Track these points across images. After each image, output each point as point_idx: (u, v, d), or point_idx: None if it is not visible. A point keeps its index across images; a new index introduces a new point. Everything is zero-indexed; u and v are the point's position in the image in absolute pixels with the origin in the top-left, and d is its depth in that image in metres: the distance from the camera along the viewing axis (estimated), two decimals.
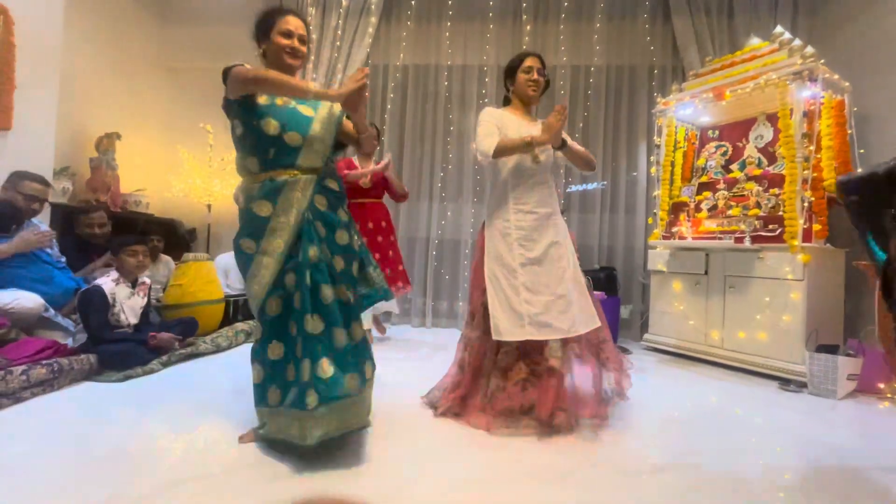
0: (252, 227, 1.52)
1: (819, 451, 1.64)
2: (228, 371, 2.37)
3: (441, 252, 4.07)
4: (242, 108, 1.53)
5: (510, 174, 1.89)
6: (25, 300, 2.16)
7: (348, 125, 1.66)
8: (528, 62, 1.92)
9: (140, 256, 2.42)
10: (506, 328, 1.72)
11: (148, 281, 2.50)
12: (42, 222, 2.62)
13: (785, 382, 2.46)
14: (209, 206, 4.01)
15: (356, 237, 1.67)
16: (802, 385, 2.38)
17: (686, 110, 3.30)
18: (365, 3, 3.99)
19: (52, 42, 2.91)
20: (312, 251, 1.47)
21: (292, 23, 1.62)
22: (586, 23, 4.00)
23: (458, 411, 1.80)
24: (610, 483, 1.34)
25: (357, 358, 1.45)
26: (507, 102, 2.02)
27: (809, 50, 2.63)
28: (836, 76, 2.73)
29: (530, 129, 1.87)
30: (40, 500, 1.12)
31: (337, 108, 1.63)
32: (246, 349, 2.83)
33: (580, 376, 1.83)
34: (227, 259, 3.66)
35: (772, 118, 3.11)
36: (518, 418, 1.75)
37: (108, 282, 2.27)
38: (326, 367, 1.36)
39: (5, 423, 1.58)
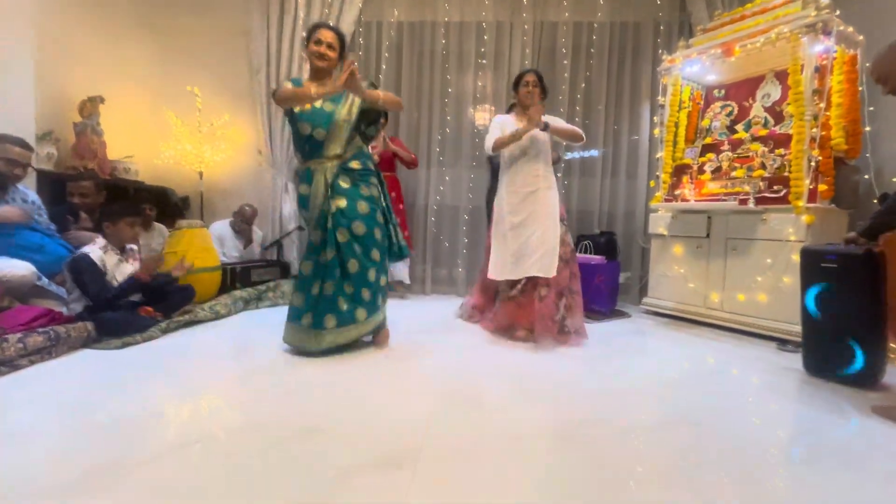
0: (301, 202, 2.15)
1: (816, 409, 1.66)
2: (228, 337, 2.36)
3: (440, 219, 4.01)
4: (289, 118, 2.10)
5: (505, 163, 2.59)
6: (18, 268, 2.12)
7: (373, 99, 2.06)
8: (526, 78, 2.53)
9: (136, 227, 2.42)
10: (494, 271, 2.55)
11: (135, 248, 2.45)
12: (29, 189, 2.55)
13: (783, 343, 2.48)
14: (201, 174, 3.91)
15: (379, 210, 2.18)
16: (800, 345, 2.39)
17: (693, 67, 3.19)
18: None
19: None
20: (330, 220, 2.05)
21: (324, 34, 2.09)
22: None
23: (477, 319, 2.81)
24: (610, 441, 1.35)
25: (363, 299, 2.11)
26: (513, 108, 2.72)
27: (824, 0, 2.51)
28: (851, 29, 2.62)
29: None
30: (44, 467, 1.12)
31: (356, 103, 2.11)
32: (245, 316, 2.84)
33: (547, 309, 2.41)
34: (221, 227, 3.61)
35: (780, 75, 3.00)
36: (510, 332, 2.51)
37: (95, 249, 2.22)
38: (342, 304, 2.07)
39: (4, 392, 1.57)
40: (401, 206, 3.53)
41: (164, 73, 4.07)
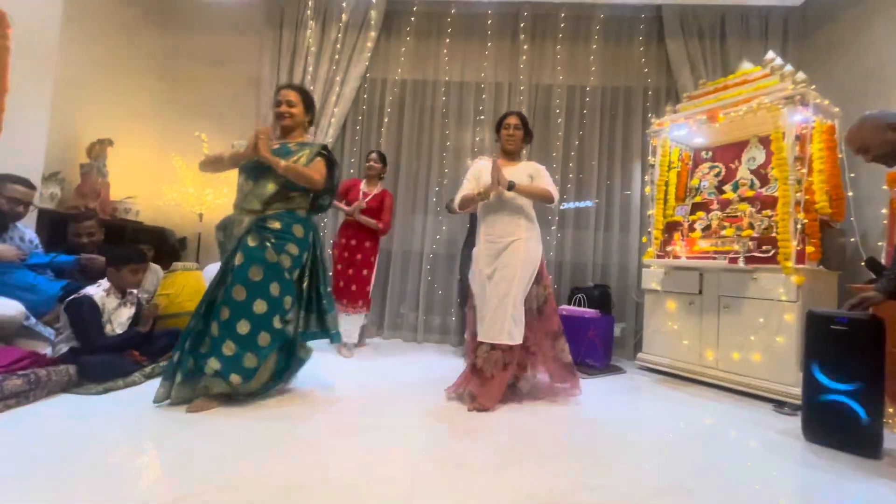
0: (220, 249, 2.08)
1: (818, 477, 1.61)
2: None
3: (434, 267, 4.04)
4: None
5: (482, 211, 2.35)
6: (6, 308, 2.09)
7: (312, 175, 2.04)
8: (508, 120, 2.38)
9: (140, 274, 2.39)
10: (479, 332, 2.20)
11: (136, 292, 2.43)
12: (28, 227, 2.57)
13: (779, 405, 2.44)
14: (200, 216, 3.97)
15: (277, 282, 1.95)
16: (797, 408, 2.35)
17: (680, 131, 3.35)
18: (365, 18, 4.04)
19: (49, 46, 2.89)
20: (229, 277, 1.93)
21: (283, 94, 2.16)
22: (583, 44, 4.07)
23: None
24: None
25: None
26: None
27: (801, 76, 2.68)
28: (827, 101, 2.78)
29: (506, 173, 2.24)
30: None
31: (300, 163, 2.04)
32: None
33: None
34: (216, 269, 3.60)
35: (764, 141, 3.15)
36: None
37: (97, 291, 2.20)
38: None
39: None
40: (371, 259, 3.31)
41: (173, 119, 4.23)
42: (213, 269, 3.60)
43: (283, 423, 1.81)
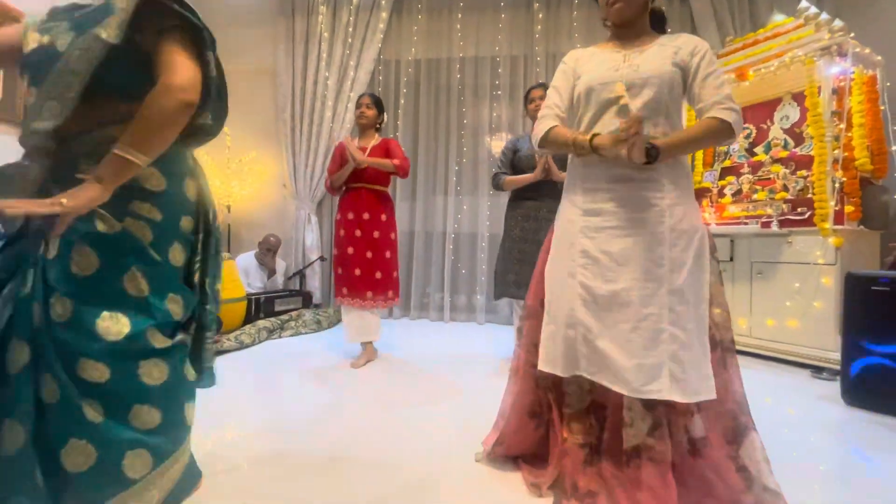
0: None
1: (856, 440, 1.58)
2: (252, 367, 2.41)
3: (458, 246, 4.05)
4: None
5: (587, 130, 1.22)
6: None
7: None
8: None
9: None
10: (547, 355, 1.18)
11: None
12: None
13: (817, 370, 2.38)
14: (228, 207, 4.08)
15: (140, 268, 0.96)
16: (836, 373, 2.29)
17: None
18: None
19: None
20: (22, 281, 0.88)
21: None
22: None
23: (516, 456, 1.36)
24: None
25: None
26: None
27: (838, 23, 2.51)
28: (868, 50, 2.61)
29: (619, 65, 1.20)
30: None
31: (101, 34, 0.89)
32: (269, 345, 2.90)
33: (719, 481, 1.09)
34: (246, 259, 3.73)
35: (798, 97, 2.99)
36: None
37: None
38: None
39: None
40: (392, 236, 2.50)
41: None
42: (244, 258, 3.72)
43: (333, 394, 1.89)
